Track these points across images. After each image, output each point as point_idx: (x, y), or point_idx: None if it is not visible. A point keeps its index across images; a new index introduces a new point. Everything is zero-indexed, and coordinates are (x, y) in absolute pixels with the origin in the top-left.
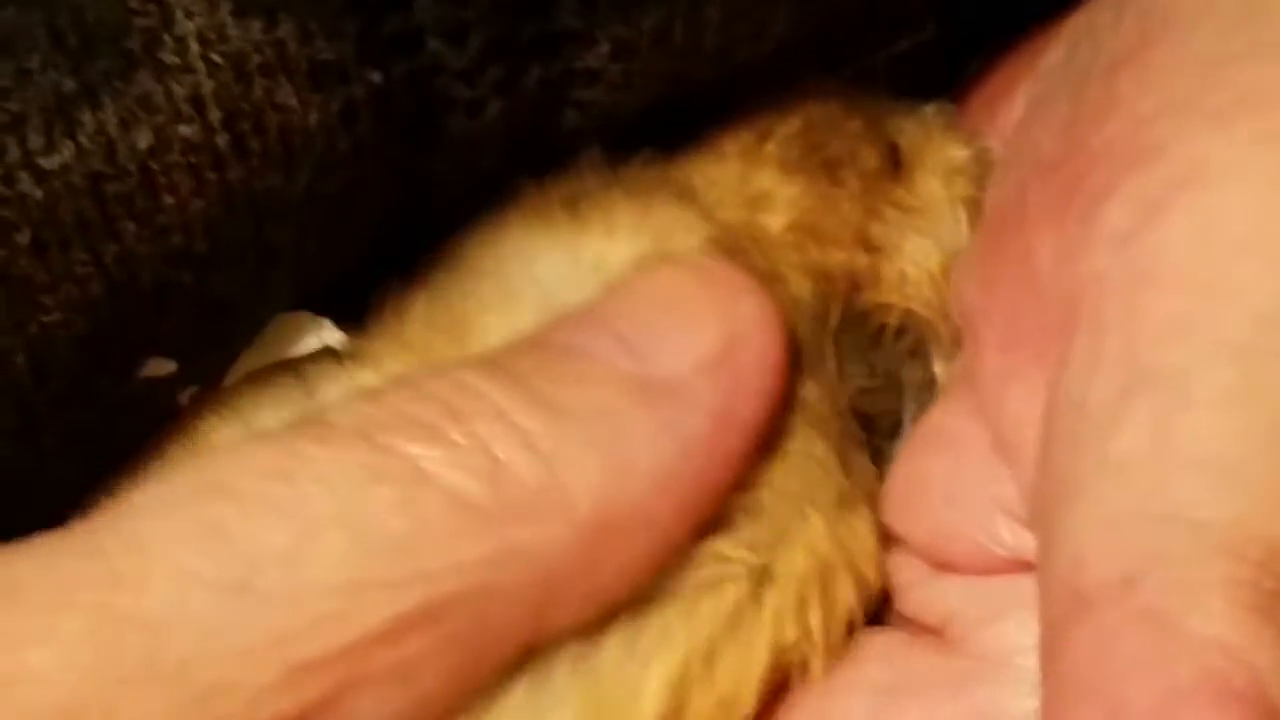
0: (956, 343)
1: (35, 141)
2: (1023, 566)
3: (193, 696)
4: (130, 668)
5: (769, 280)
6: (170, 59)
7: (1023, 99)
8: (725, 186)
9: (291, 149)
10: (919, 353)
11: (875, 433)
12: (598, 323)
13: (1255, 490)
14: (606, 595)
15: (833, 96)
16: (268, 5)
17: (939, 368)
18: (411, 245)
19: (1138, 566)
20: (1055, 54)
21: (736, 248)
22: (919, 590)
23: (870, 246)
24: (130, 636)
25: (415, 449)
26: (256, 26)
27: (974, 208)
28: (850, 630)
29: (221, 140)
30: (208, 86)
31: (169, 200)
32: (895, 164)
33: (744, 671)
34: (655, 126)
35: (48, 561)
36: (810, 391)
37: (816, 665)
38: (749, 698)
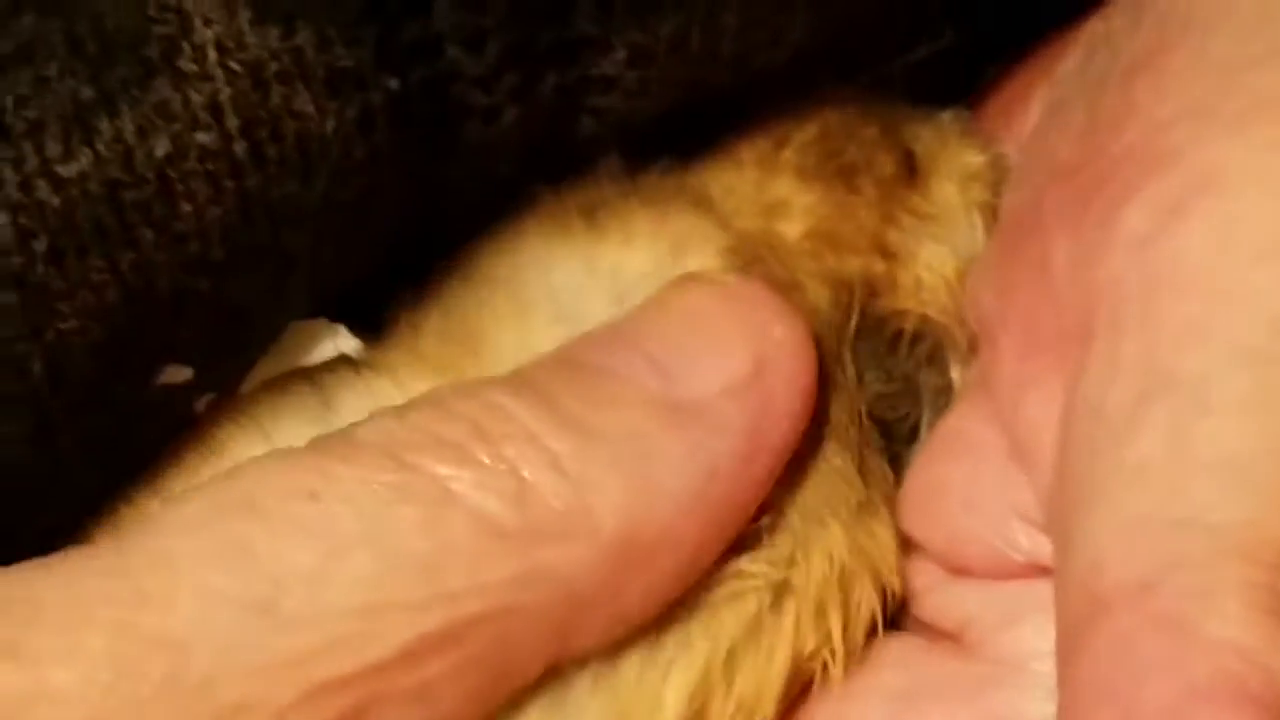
0: (973, 348)
1: (53, 149)
2: (1039, 571)
3: (214, 715)
4: (153, 686)
5: (787, 289)
6: (188, 67)
7: (1039, 105)
8: (742, 195)
9: (309, 156)
10: (935, 358)
11: (893, 438)
12: (628, 342)
13: (1271, 494)
14: (632, 617)
15: (849, 103)
16: (286, 12)
17: (955, 373)
18: (428, 252)
19: (1155, 570)
20: (1072, 60)
21: (754, 256)
22: (936, 595)
23: (887, 253)
24: (153, 655)
25: (442, 469)
26: (274, 34)
27: (990, 214)
28: (873, 634)
29: (239, 148)
30: (225, 94)
31: (186, 208)
32: (911, 170)
33: (764, 679)
34: (672, 133)
35: (70, 579)
36: (829, 399)
37: (837, 671)
38: (769, 705)
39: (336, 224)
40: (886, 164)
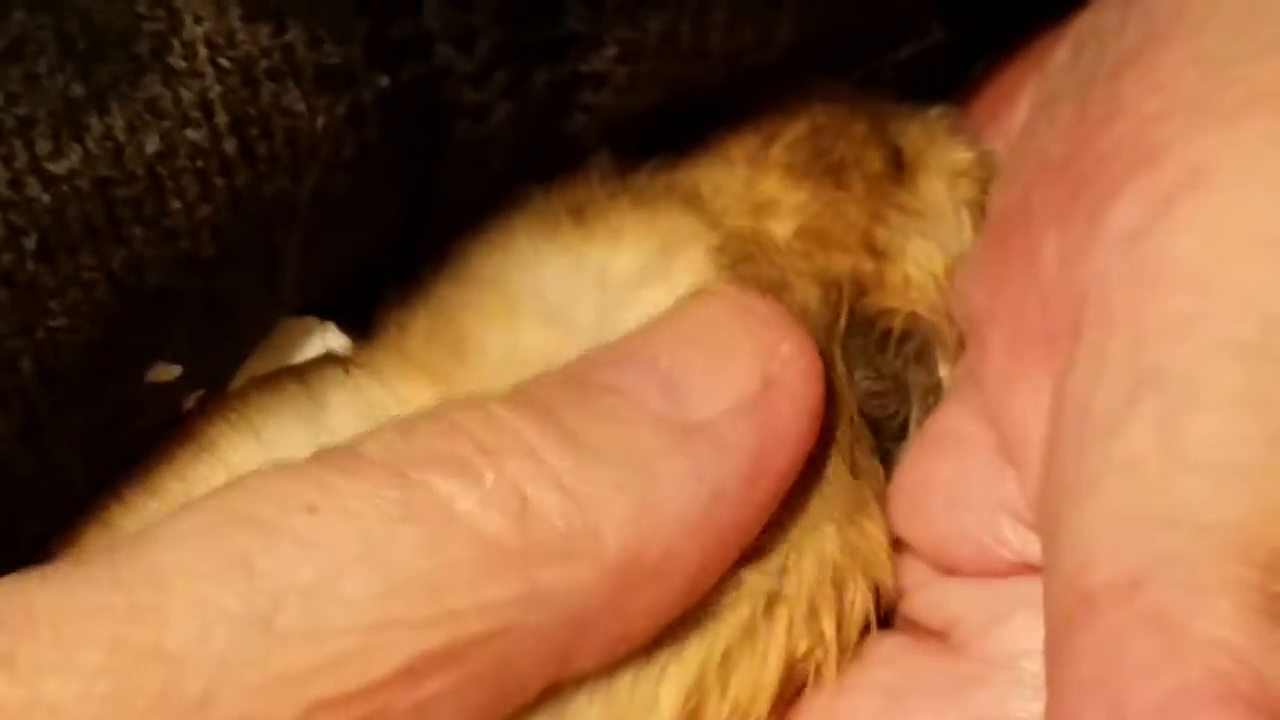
0: (961, 345)
1: (43, 146)
2: (1028, 569)
3: None
4: (148, 701)
5: (777, 288)
6: (178, 64)
7: (1027, 101)
8: (732, 193)
9: (299, 153)
10: (924, 356)
11: (882, 436)
12: (635, 359)
13: (1262, 492)
14: (634, 637)
15: (838, 100)
16: (276, 9)
17: (944, 370)
18: (418, 250)
19: (1144, 568)
20: (1060, 56)
21: (744, 255)
22: (924, 593)
23: (875, 250)
24: (149, 669)
25: (445, 486)
26: (265, 31)
27: (978, 210)
28: (867, 631)
29: (229, 145)
30: (215, 91)
31: (176, 205)
32: (899, 167)
33: (758, 681)
34: (662, 129)
35: (68, 591)
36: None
37: (830, 670)
38: (763, 706)
39: (326, 221)
40: (875, 161)
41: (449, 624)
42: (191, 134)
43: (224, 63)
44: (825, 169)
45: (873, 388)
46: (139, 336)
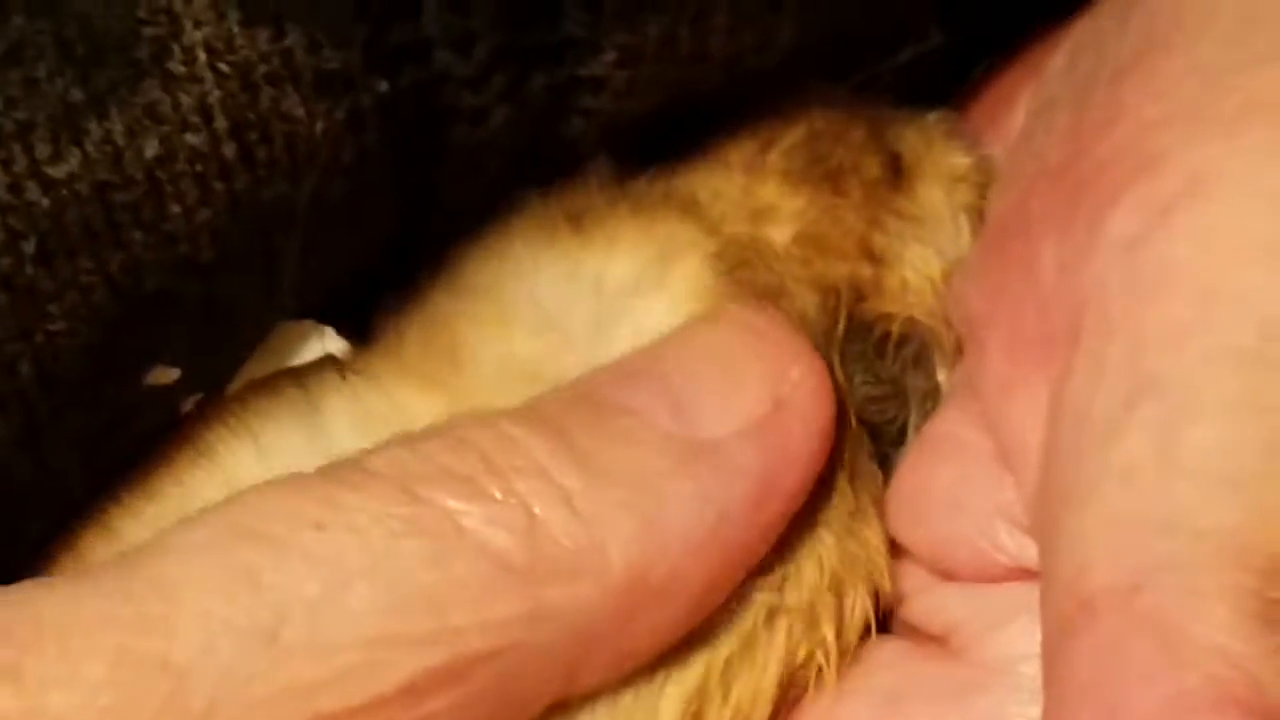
0: (959, 350)
1: (42, 150)
2: (1025, 574)
3: None
4: (152, 713)
5: (775, 295)
6: (178, 68)
7: (1026, 106)
8: (730, 199)
9: (297, 158)
10: (922, 361)
11: (881, 441)
12: (645, 378)
13: (1259, 499)
14: (638, 655)
15: (835, 105)
16: (275, 15)
17: (942, 375)
18: (416, 255)
19: (1141, 574)
20: (1059, 61)
21: (742, 262)
22: (922, 598)
23: (873, 256)
24: (153, 681)
25: (452, 503)
26: (264, 36)
27: (976, 215)
28: (866, 635)
29: (228, 149)
30: (215, 96)
31: (175, 209)
32: (897, 172)
33: (759, 688)
34: (660, 134)
35: (74, 602)
36: None
37: (830, 676)
38: (763, 712)
39: (325, 226)
40: (872, 167)
41: (453, 641)
42: (190, 139)
43: (223, 68)
44: (823, 175)
45: (871, 392)
46: (137, 340)
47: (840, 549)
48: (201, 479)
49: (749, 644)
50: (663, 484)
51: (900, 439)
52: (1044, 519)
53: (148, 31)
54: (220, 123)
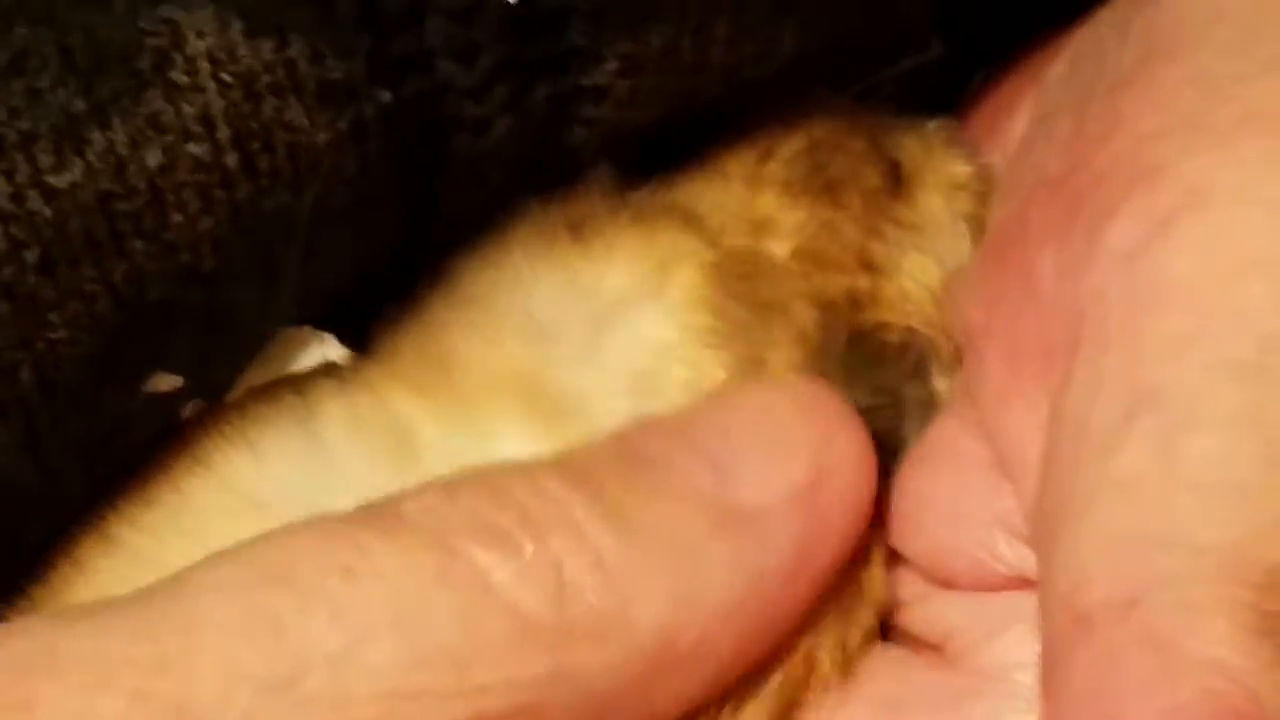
0: (957, 359)
1: (45, 160)
2: (1023, 583)
3: None
4: None
5: (775, 310)
6: (180, 78)
7: (1026, 115)
8: (730, 211)
9: (300, 168)
10: (920, 370)
11: (879, 450)
12: (688, 437)
13: (1257, 513)
14: (658, 718)
15: (835, 114)
16: (279, 25)
17: (940, 384)
18: (418, 264)
19: (1139, 588)
20: (1059, 70)
21: (741, 274)
22: (920, 606)
23: (871, 266)
24: None
25: (483, 556)
26: (267, 46)
27: (976, 224)
28: (866, 643)
29: (230, 159)
30: (217, 106)
31: (177, 218)
32: (897, 181)
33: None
34: (662, 142)
35: (94, 636)
36: None
37: (831, 683)
38: None
39: (327, 235)
40: (872, 176)
41: (475, 697)
42: (193, 148)
43: (226, 78)
44: (822, 186)
45: (868, 403)
46: (139, 348)
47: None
48: (199, 486)
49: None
50: (698, 548)
51: (898, 448)
52: (1042, 530)
53: (150, 42)
54: (223, 132)
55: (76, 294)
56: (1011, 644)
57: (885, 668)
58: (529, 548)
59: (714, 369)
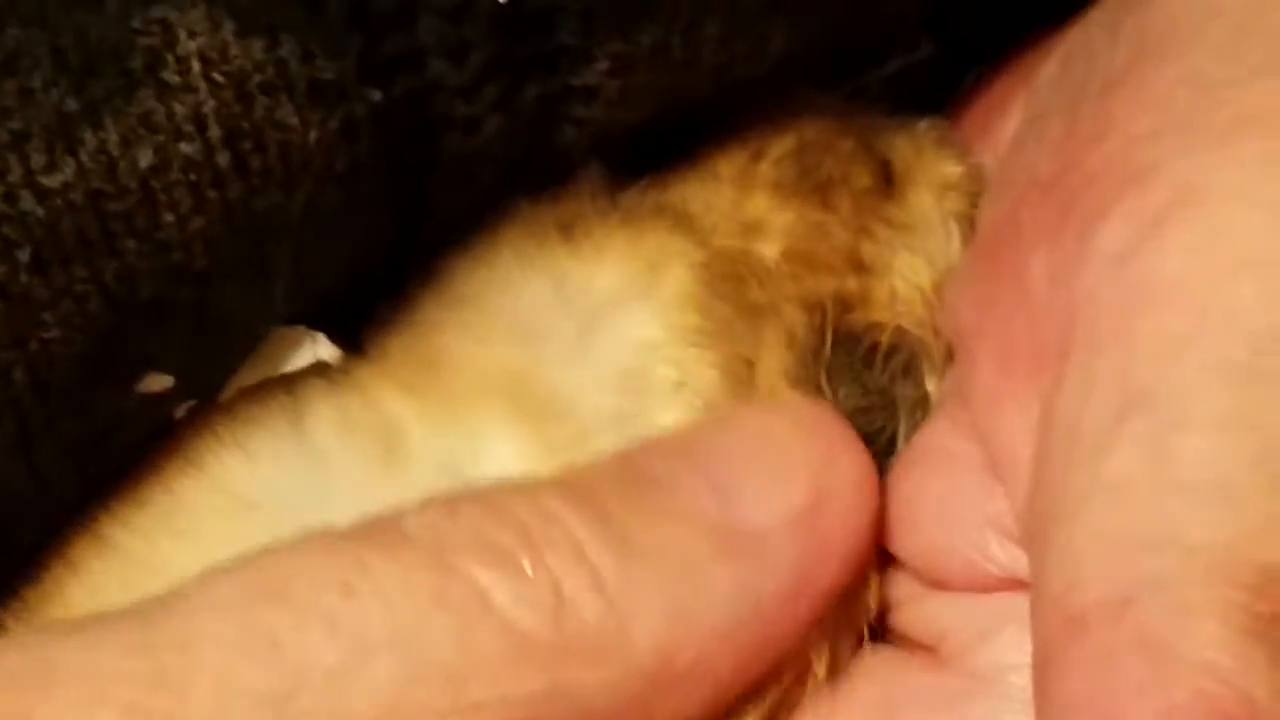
0: (949, 358)
1: (37, 160)
2: (1016, 584)
3: None
4: None
5: (765, 311)
6: (172, 78)
7: (1017, 115)
8: (720, 212)
9: (291, 167)
10: (911, 370)
11: (870, 451)
12: (690, 458)
13: (1249, 514)
14: None
15: (826, 114)
16: (270, 24)
17: (931, 385)
18: (409, 263)
19: (1132, 589)
20: (1050, 70)
21: (732, 275)
22: (912, 607)
23: (861, 267)
24: None
25: (483, 575)
26: (258, 46)
27: (967, 224)
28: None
29: (222, 158)
30: (209, 105)
31: (169, 218)
32: (888, 180)
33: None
34: (653, 142)
35: (91, 650)
36: None
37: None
38: None
39: (318, 234)
40: (862, 176)
41: (471, 714)
42: (185, 148)
43: (217, 77)
44: (812, 187)
45: (859, 404)
46: (131, 348)
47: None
48: (191, 487)
49: None
50: (698, 569)
51: (890, 449)
52: (1034, 531)
53: (142, 41)
54: (214, 132)
55: (69, 293)
56: (1005, 645)
57: (879, 669)
58: (528, 566)
59: (701, 368)
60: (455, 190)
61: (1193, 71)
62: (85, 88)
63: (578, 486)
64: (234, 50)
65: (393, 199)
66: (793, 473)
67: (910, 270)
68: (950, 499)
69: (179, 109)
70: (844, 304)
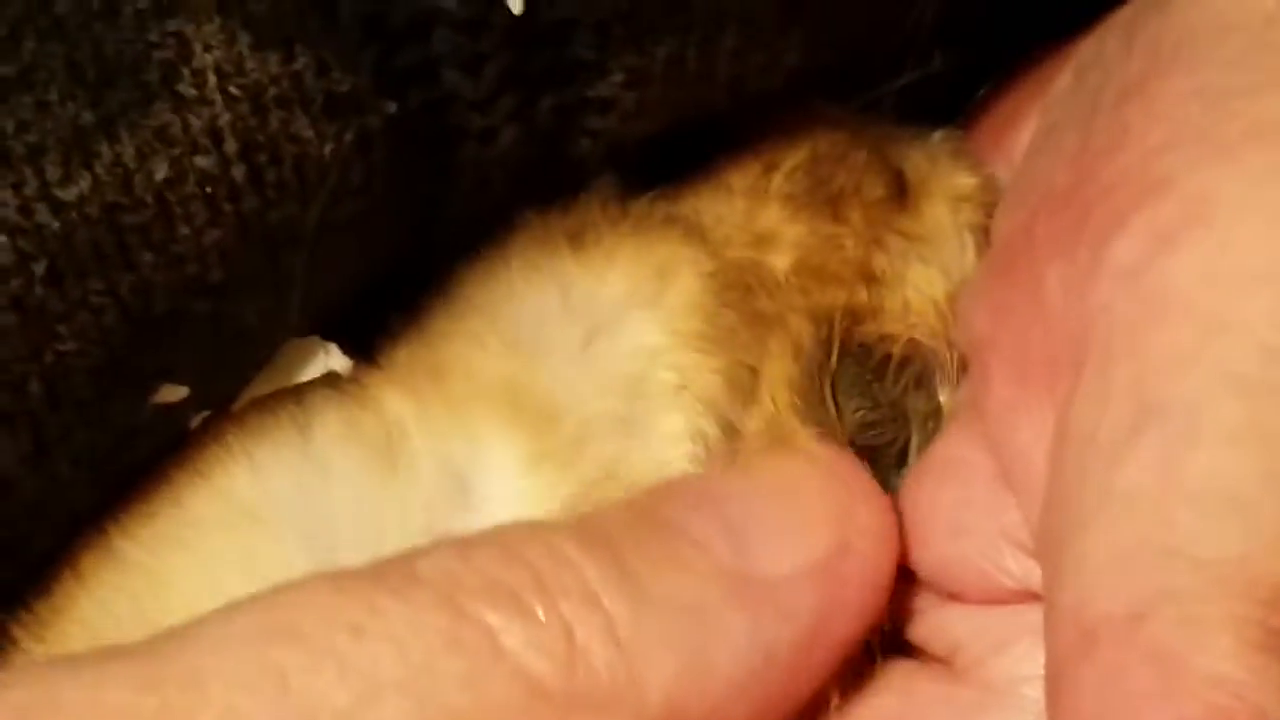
0: (962, 369)
1: (53, 173)
2: (1029, 596)
3: None
4: None
5: (771, 322)
6: (188, 91)
7: (1031, 126)
8: (732, 223)
9: (306, 179)
10: (924, 381)
11: (881, 464)
12: (707, 504)
13: (1262, 527)
14: None
15: (839, 126)
16: (285, 38)
17: (944, 396)
18: (423, 273)
19: (1144, 602)
20: (1064, 81)
21: (741, 285)
22: (926, 619)
23: (872, 279)
24: None
25: (494, 619)
26: (274, 59)
27: (981, 235)
28: (868, 659)
29: (238, 171)
30: (225, 118)
31: (185, 230)
32: (901, 191)
33: None
34: (666, 153)
35: (98, 686)
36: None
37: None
38: None
39: (333, 246)
40: (876, 187)
41: None
42: (200, 161)
43: (233, 90)
44: (825, 199)
45: (868, 417)
46: (146, 360)
47: None
48: (197, 499)
49: None
50: (712, 618)
51: (902, 461)
52: (1048, 544)
53: (158, 55)
54: (230, 145)
55: (85, 306)
56: (1019, 657)
57: (893, 680)
58: (540, 612)
59: (703, 373)
60: (470, 201)
61: (1207, 83)
62: (101, 101)
63: (592, 530)
64: (250, 63)
65: (407, 210)
66: (812, 522)
67: (924, 281)
68: (964, 510)
69: (195, 122)
70: (855, 316)
